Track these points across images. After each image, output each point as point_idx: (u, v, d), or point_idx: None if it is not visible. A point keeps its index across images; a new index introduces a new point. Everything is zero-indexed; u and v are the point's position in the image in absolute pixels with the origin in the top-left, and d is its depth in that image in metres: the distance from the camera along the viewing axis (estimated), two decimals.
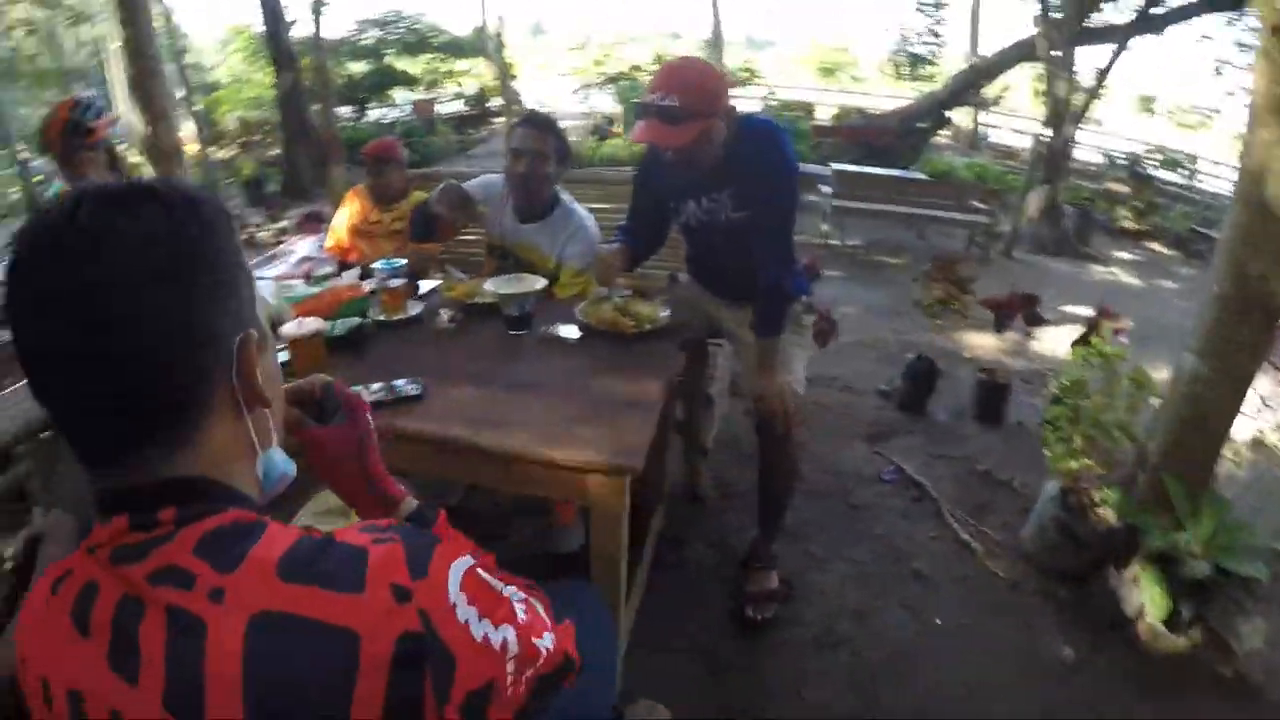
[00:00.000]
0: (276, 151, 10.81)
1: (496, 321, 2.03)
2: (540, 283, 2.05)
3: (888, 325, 5.05)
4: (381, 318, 2.13)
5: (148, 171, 3.61)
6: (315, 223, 6.27)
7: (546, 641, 0.73)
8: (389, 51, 14.96)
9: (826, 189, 7.75)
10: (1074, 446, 2.47)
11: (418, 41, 15.43)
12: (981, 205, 7.64)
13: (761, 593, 2.17)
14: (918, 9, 18.33)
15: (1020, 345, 4.69)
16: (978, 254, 7.43)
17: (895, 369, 3.80)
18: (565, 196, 2.39)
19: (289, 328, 1.75)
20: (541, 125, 2.30)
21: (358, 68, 14.40)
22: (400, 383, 1.71)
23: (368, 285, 2.18)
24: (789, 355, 2.08)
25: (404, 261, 2.16)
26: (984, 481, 3.02)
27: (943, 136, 13.95)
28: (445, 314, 2.09)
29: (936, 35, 18.75)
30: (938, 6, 18.27)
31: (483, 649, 0.64)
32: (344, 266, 2.69)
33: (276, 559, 0.60)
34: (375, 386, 1.75)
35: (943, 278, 4.52)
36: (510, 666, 0.66)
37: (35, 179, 7.05)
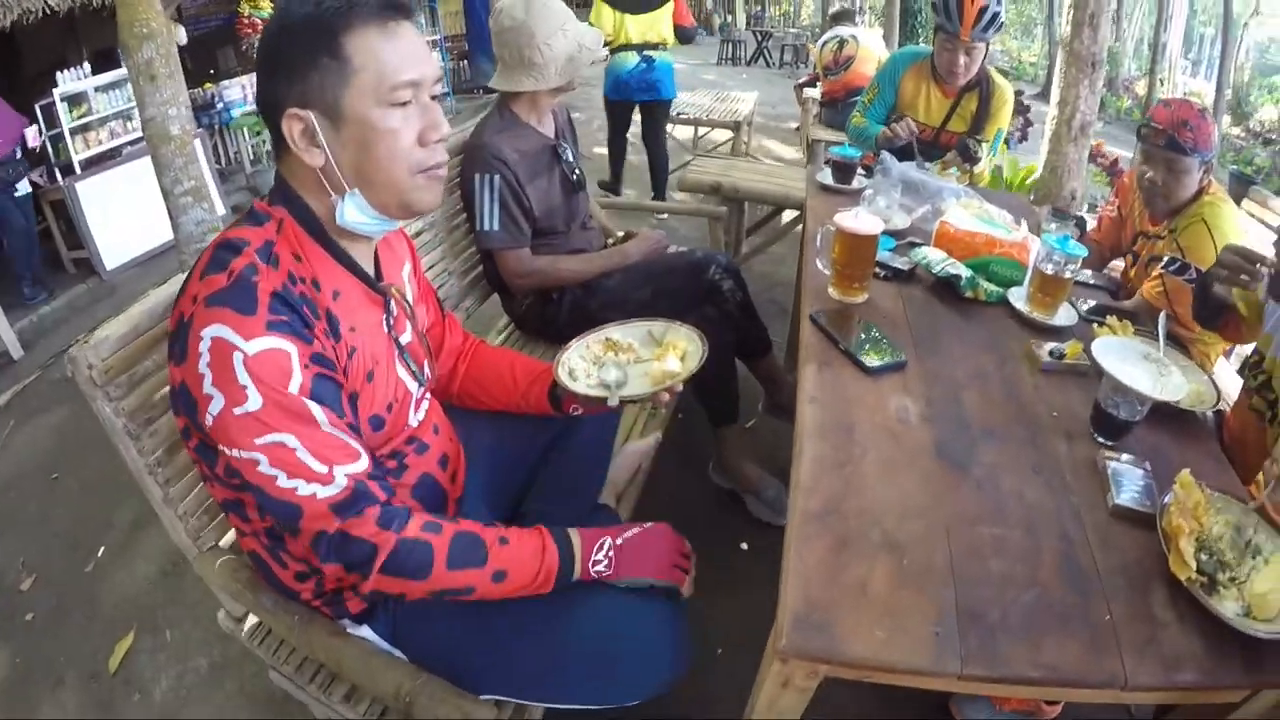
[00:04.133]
0: None
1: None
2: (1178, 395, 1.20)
3: None
4: (1016, 300, 1.60)
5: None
6: None
7: (266, 465, 0.86)
8: None
9: None
10: None
11: None
12: None
13: None
14: None
15: None
16: None
17: None
18: None
19: (844, 216, 1.45)
20: None
21: None
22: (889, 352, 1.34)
23: (1039, 260, 1.59)
24: None
25: (1083, 252, 1.51)
26: None
27: None
28: (1057, 347, 1.42)
29: None
30: None
31: (197, 376, 0.84)
32: None
33: (217, 243, 0.91)
34: (877, 336, 1.37)
35: None
36: (209, 417, 0.85)
37: None
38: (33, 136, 5.07)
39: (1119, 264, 2.22)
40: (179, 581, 2.15)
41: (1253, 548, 1.01)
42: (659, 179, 4.87)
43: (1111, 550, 1.00)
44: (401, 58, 0.90)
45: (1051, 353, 1.40)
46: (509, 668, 1.05)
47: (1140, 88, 14.20)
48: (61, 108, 5.13)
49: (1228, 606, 0.92)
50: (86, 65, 5.53)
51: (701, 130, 6.37)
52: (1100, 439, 1.22)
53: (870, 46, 4.85)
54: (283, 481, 0.86)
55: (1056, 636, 0.87)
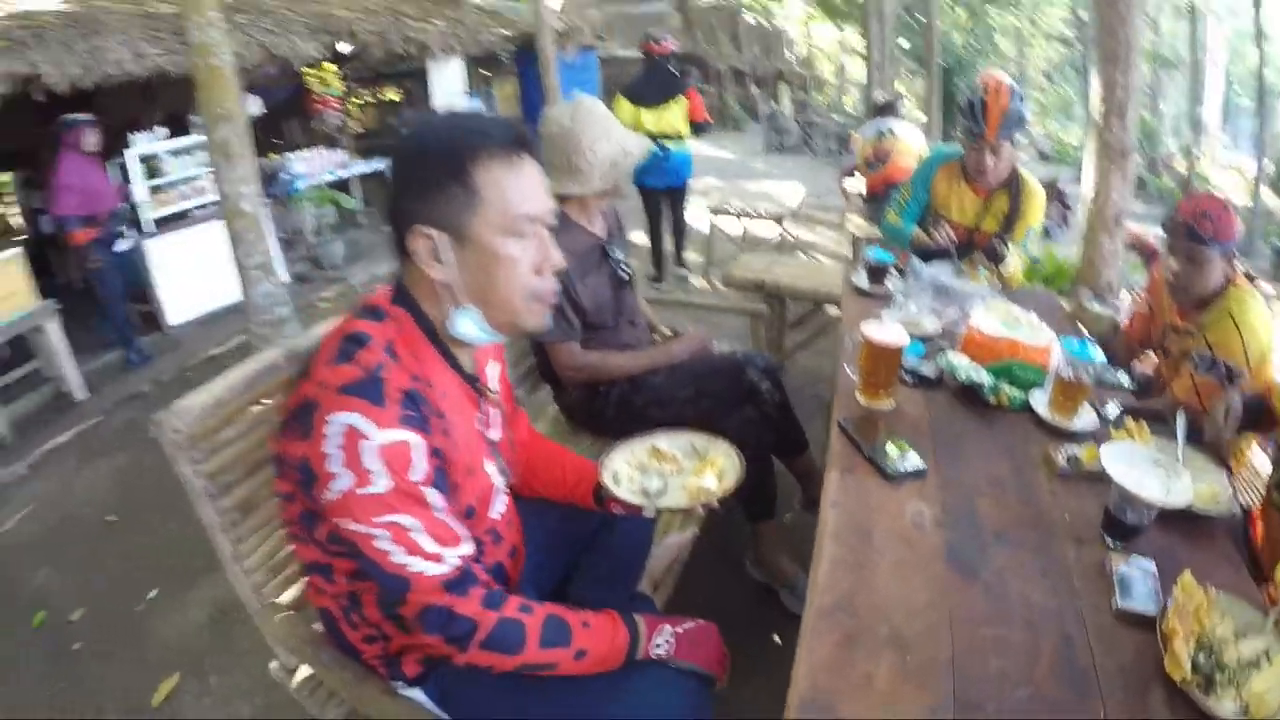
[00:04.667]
0: None
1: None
2: (1180, 499, 1.25)
3: None
4: (1038, 404, 1.65)
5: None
6: None
7: (384, 541, 0.96)
8: None
9: None
10: None
11: None
12: None
13: None
14: None
15: None
16: None
17: None
18: None
19: (870, 326, 1.55)
20: None
21: None
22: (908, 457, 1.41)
23: (1059, 365, 1.64)
24: None
25: (1101, 358, 1.59)
26: None
27: None
28: (1072, 451, 1.47)
29: None
30: None
31: (321, 454, 0.94)
32: None
33: (342, 334, 1.02)
34: (901, 445, 1.44)
35: None
36: (331, 493, 0.94)
37: None
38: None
39: (1154, 357, 2.23)
40: (228, 629, 2.24)
41: (1259, 649, 1.02)
42: (679, 239, 5.48)
43: (1112, 652, 1.04)
44: (523, 194, 1.02)
45: (1068, 460, 1.45)
46: None
47: (1180, 164, 14.12)
48: (138, 169, 5.31)
49: (1225, 706, 0.95)
50: (162, 129, 5.70)
51: (747, 221, 6.46)
52: (1110, 542, 1.26)
53: (909, 140, 4.89)
54: (397, 557, 0.96)
55: None
